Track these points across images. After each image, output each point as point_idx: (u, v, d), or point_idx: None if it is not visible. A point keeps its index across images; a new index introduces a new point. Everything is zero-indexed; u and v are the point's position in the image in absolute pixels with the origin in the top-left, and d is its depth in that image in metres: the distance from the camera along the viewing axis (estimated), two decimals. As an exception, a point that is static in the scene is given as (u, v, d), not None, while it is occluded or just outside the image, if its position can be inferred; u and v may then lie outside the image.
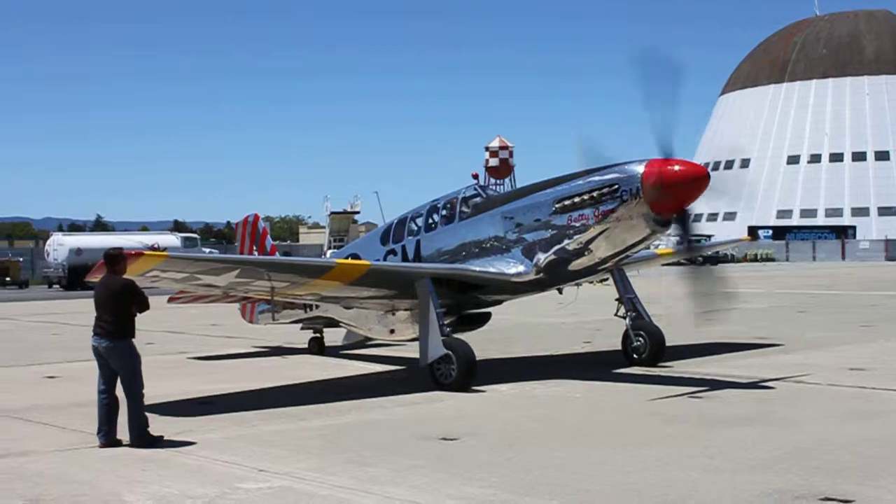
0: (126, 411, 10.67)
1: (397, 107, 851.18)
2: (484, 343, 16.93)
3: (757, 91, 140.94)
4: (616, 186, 14.36)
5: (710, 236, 60.90)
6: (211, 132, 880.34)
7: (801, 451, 9.80)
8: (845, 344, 19.72)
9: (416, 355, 15.24)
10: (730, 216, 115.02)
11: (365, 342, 19.40)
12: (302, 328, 20.25)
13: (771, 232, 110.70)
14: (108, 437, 10.66)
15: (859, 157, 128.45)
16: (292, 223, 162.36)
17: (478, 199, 16.49)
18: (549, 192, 15.27)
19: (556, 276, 15.49)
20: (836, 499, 7.98)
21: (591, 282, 18.09)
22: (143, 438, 10.59)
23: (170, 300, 19.31)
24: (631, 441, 10.50)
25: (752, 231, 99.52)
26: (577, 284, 17.13)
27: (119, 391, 10.76)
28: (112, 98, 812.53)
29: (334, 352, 19.89)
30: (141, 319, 11.07)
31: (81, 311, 30.09)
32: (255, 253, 20.62)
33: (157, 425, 11.35)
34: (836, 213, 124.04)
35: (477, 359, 14.57)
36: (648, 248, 16.31)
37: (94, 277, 11.32)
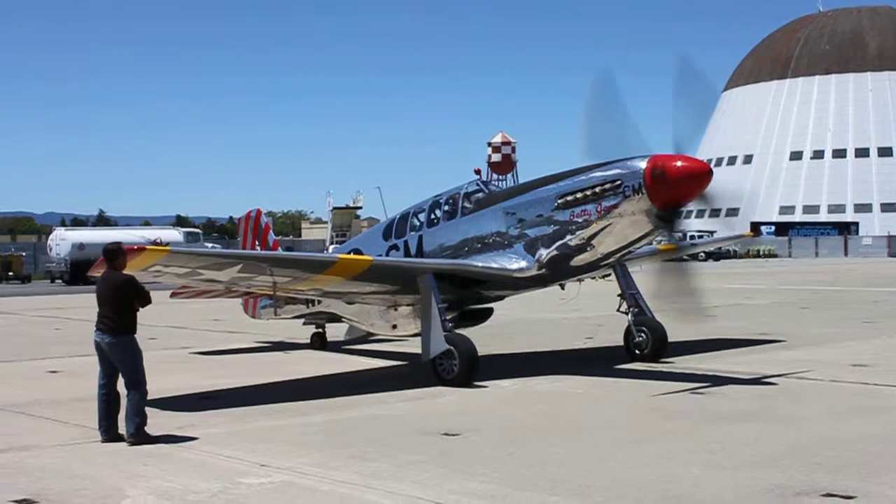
0: (125, 406, 10.63)
1: (400, 102, 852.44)
2: (486, 338, 16.93)
3: (760, 87, 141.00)
4: (619, 182, 14.36)
5: (712, 232, 60.86)
6: (213, 127, 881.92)
7: (803, 447, 9.79)
8: (848, 340, 19.69)
9: (419, 351, 15.25)
10: (732, 212, 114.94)
11: (367, 337, 19.39)
12: (304, 323, 20.25)
13: (773, 228, 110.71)
14: (108, 433, 10.65)
15: (862, 153, 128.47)
16: (295, 218, 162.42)
17: (480, 195, 16.48)
18: (552, 187, 15.27)
19: (558, 271, 15.48)
20: (837, 495, 7.97)
21: (593, 277, 18.08)
22: (139, 435, 10.50)
23: (172, 295, 19.33)
24: (632, 437, 10.50)
25: (755, 227, 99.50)
26: (579, 280, 17.14)
27: (120, 386, 10.74)
28: (114, 93, 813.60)
29: (336, 347, 19.89)
30: (143, 314, 11.05)
31: (84, 305, 30.06)
32: (258, 248, 20.62)
33: (160, 420, 11.38)
34: (839, 209, 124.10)
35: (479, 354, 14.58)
36: (651, 243, 16.31)
37: (97, 272, 11.32)
